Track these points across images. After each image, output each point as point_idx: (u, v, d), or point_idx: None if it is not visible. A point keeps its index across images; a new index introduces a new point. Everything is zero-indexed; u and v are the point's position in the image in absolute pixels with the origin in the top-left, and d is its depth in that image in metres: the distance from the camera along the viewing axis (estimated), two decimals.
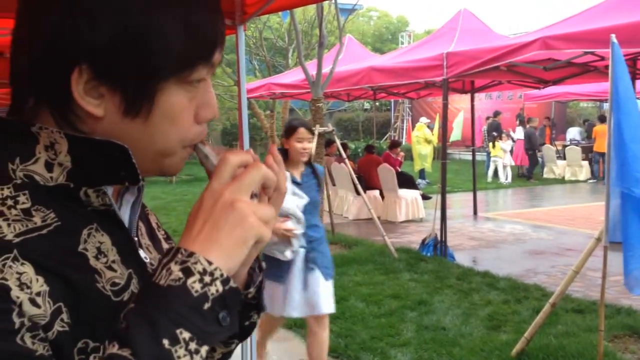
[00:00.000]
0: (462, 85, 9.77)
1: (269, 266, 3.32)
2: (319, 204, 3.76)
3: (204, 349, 0.59)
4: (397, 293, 5.86)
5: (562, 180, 16.58)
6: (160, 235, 0.93)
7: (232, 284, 0.62)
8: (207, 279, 0.61)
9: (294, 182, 3.56)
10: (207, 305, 0.60)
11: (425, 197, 11.43)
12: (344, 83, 9.29)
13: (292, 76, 11.25)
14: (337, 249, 7.95)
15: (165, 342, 0.57)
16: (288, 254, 3.37)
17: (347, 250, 7.84)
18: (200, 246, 0.63)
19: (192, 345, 0.58)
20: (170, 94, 0.70)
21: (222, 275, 0.62)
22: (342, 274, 6.58)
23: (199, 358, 0.59)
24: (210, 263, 0.61)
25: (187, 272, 0.60)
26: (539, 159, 17.68)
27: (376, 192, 10.62)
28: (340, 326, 4.97)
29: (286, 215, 3.26)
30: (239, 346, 3.25)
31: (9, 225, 0.64)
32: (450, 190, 11.83)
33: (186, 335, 0.58)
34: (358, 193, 8.84)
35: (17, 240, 0.63)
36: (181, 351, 0.57)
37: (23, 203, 0.66)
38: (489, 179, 16.27)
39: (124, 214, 0.79)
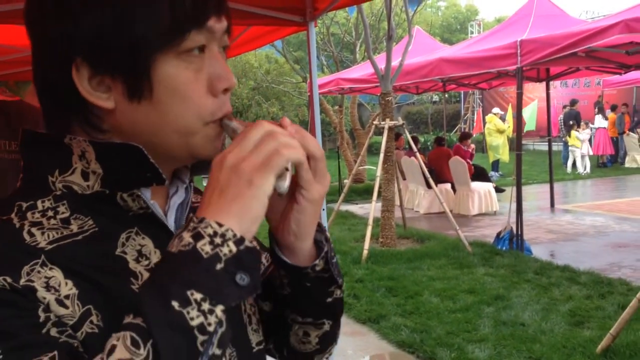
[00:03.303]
0: (536, 73, 9.45)
1: None
2: None
3: (219, 309, 0.59)
4: (473, 288, 5.75)
5: None
6: None
7: (247, 243, 0.62)
8: (217, 240, 0.61)
9: None
10: (219, 266, 0.60)
11: (498, 190, 11.13)
12: (413, 76, 9.17)
13: (361, 71, 11.21)
14: (409, 243, 7.90)
15: (175, 304, 0.57)
16: None
17: (419, 244, 7.76)
18: (211, 213, 0.63)
19: (205, 306, 0.58)
20: (167, 67, 0.68)
21: (234, 235, 0.62)
22: (415, 269, 6.52)
23: (214, 318, 0.58)
24: (220, 225, 0.61)
25: (197, 236, 0.61)
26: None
27: (447, 185, 10.44)
28: (415, 321, 4.92)
29: None
30: None
31: (42, 233, 0.66)
32: (524, 182, 11.43)
33: (198, 296, 0.58)
34: (429, 186, 8.72)
35: (49, 247, 0.65)
36: (193, 312, 0.57)
37: (62, 213, 0.69)
38: (568, 170, 15.62)
39: (170, 217, 0.79)
